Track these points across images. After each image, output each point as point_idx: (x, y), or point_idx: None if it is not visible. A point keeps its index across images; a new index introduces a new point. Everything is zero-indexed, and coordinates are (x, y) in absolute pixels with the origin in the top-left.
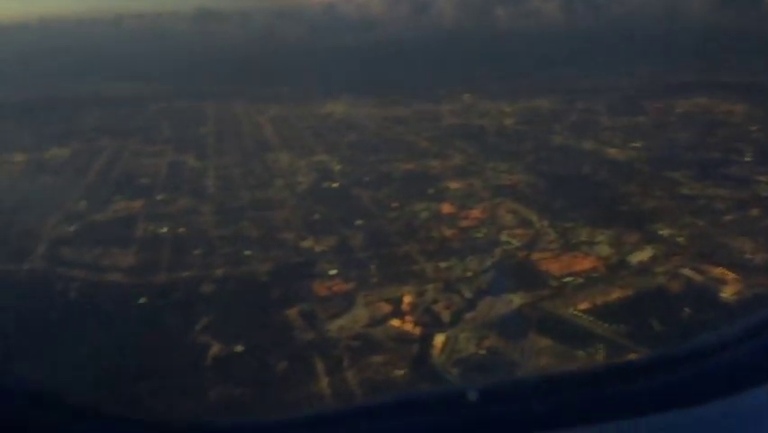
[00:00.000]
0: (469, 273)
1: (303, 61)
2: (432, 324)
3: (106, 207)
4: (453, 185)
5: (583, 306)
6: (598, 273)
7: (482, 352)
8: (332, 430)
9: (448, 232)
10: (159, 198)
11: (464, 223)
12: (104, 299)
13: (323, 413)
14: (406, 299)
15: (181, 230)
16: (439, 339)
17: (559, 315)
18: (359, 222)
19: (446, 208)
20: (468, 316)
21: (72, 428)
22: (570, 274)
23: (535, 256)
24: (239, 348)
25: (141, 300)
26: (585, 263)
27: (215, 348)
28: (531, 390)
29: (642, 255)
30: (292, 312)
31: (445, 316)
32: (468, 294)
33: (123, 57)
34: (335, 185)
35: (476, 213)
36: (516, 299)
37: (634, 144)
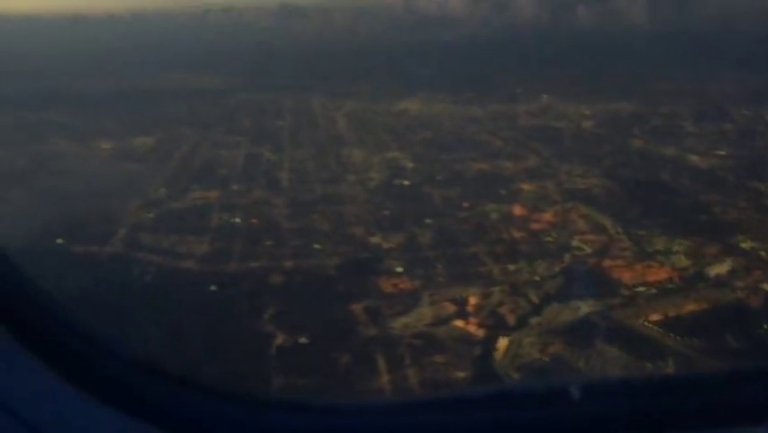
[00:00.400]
0: (537, 277)
1: (381, 58)
2: (496, 327)
3: (184, 195)
4: (526, 187)
5: (655, 317)
6: (672, 284)
7: (546, 358)
8: (437, 416)
9: (518, 234)
10: (234, 188)
11: (535, 226)
12: (177, 284)
13: (425, 399)
14: (472, 301)
15: (254, 221)
16: (502, 343)
17: (629, 325)
18: (428, 220)
19: (517, 210)
20: (533, 321)
21: (179, 397)
22: (643, 284)
23: (607, 263)
24: (303, 340)
25: (212, 288)
26: (660, 273)
27: (280, 338)
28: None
29: (721, 268)
30: (357, 307)
31: (510, 319)
32: (535, 299)
33: (209, 50)
34: (407, 182)
35: (547, 216)
36: (585, 307)
37: (718, 152)
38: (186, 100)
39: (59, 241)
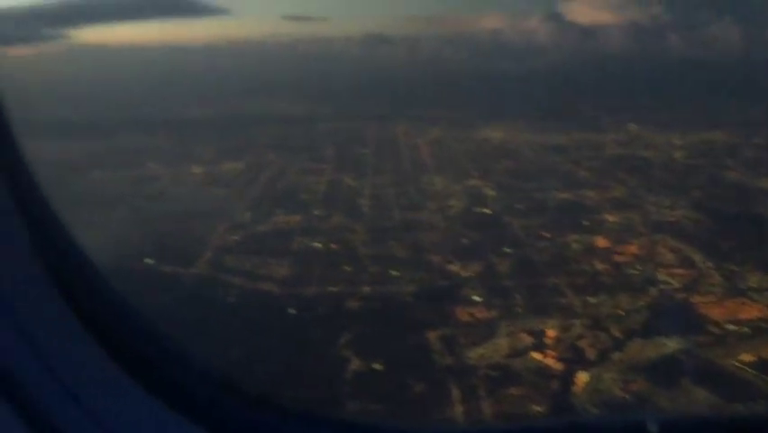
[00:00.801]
0: (619, 311)
1: (465, 86)
2: (575, 361)
3: (268, 219)
4: (610, 218)
5: (747, 358)
6: (766, 324)
7: (627, 396)
8: None
9: (600, 266)
10: (316, 213)
11: (619, 258)
12: (257, 306)
13: (500, 428)
14: (550, 333)
15: (333, 246)
16: (582, 377)
17: (718, 365)
18: (507, 249)
19: (600, 242)
20: (615, 356)
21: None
22: (734, 322)
23: (696, 299)
24: (378, 366)
25: (291, 311)
26: (752, 311)
27: (355, 363)
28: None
29: None
30: (433, 335)
31: (590, 354)
32: (617, 333)
33: (298, 79)
34: (487, 211)
35: (633, 248)
36: (671, 344)
37: None
38: (274, 127)
39: (148, 261)
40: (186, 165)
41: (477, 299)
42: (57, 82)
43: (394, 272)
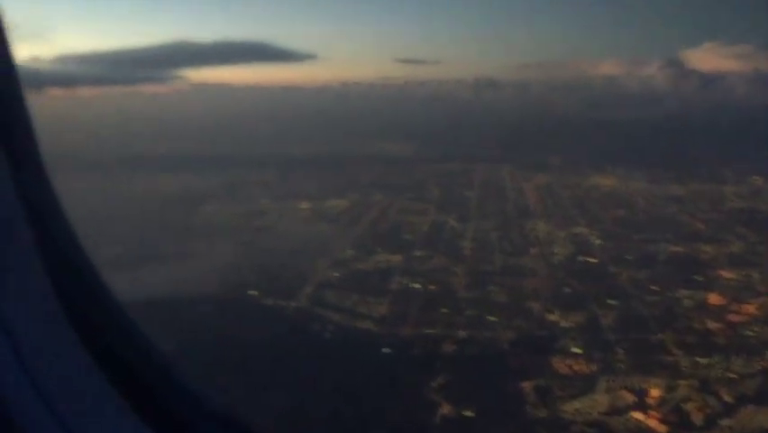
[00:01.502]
0: (731, 375)
1: (576, 132)
2: (680, 424)
3: (369, 257)
4: (726, 274)
5: None
6: None
7: None
8: None
9: (713, 325)
10: (417, 254)
11: (734, 317)
12: (352, 344)
13: None
14: (654, 392)
15: (432, 287)
16: None
17: None
18: (612, 301)
19: (714, 299)
20: (724, 422)
21: None
22: None
23: None
24: (468, 413)
25: (385, 350)
26: None
27: (445, 408)
28: None
29: None
30: (527, 385)
31: (697, 418)
32: (727, 398)
33: (407, 120)
34: (593, 260)
35: (750, 308)
36: None
37: None
38: (381, 166)
39: (253, 293)
40: (294, 201)
41: (577, 351)
42: (174, 120)
43: (492, 318)
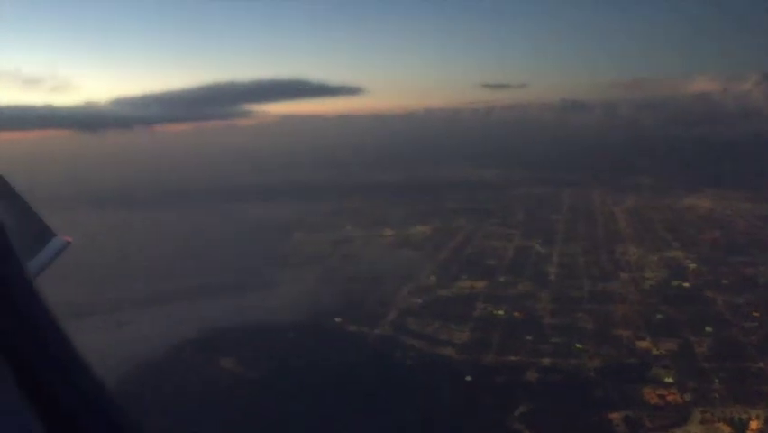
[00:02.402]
0: None
1: (667, 153)
2: None
3: (453, 283)
4: None
5: None
6: None
7: None
8: None
9: None
10: (501, 279)
11: None
12: (433, 371)
13: None
14: (754, 424)
15: (516, 314)
16: None
17: None
18: (708, 328)
19: None
20: None
21: None
22: None
23: None
24: None
25: (467, 378)
26: None
27: None
28: None
29: None
30: (616, 416)
31: None
32: None
33: (492, 144)
34: (686, 285)
35: None
36: None
37: None
38: (465, 192)
39: (337, 319)
40: (379, 227)
41: (669, 380)
42: (260, 150)
43: (578, 345)
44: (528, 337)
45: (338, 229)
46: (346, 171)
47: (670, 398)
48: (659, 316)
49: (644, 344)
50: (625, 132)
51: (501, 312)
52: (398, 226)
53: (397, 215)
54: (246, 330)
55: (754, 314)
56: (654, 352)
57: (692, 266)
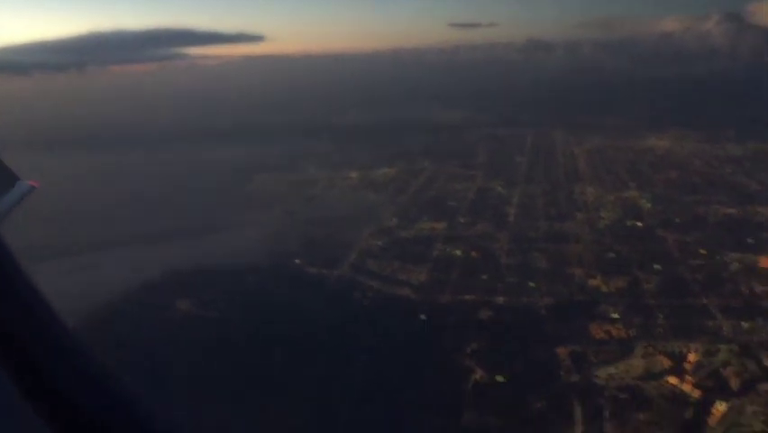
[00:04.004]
0: None
1: (629, 93)
2: (716, 389)
3: (413, 225)
4: None
5: None
6: None
7: None
8: None
9: (760, 288)
10: (461, 220)
11: None
12: (390, 310)
13: None
14: (692, 357)
15: (474, 254)
16: (720, 407)
17: None
18: (657, 266)
19: (764, 262)
20: (763, 387)
21: None
22: None
23: None
24: (501, 378)
25: (422, 317)
26: None
27: (478, 374)
28: None
29: None
30: (563, 351)
31: (734, 383)
32: None
33: (457, 86)
34: (640, 224)
35: None
36: None
37: None
38: (430, 134)
39: (297, 261)
40: (343, 170)
41: (615, 316)
42: (224, 92)
43: (531, 284)
44: (484, 277)
45: (300, 171)
46: (305, 114)
47: (615, 333)
48: (611, 255)
49: (594, 282)
50: (589, 72)
51: (459, 252)
52: (363, 169)
53: (363, 157)
54: (205, 273)
55: (702, 252)
56: (604, 289)
57: (647, 206)
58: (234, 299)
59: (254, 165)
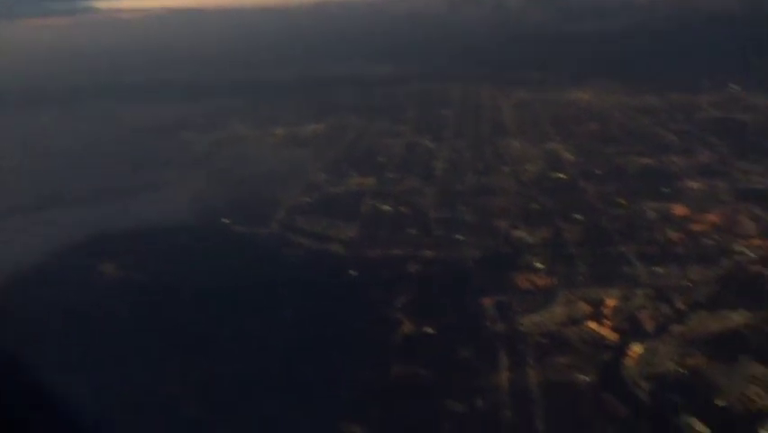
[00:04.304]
0: (687, 283)
1: (555, 47)
2: (632, 332)
3: (342, 181)
4: (693, 185)
5: None
6: None
7: (682, 370)
8: None
9: (674, 235)
10: (389, 176)
11: (696, 227)
12: (319, 267)
13: None
14: (610, 303)
15: (402, 209)
16: (636, 349)
17: None
18: (578, 216)
19: (679, 210)
20: (675, 329)
21: None
22: None
23: None
24: (429, 330)
25: (352, 272)
26: None
27: (407, 327)
28: None
29: None
30: (488, 302)
31: (649, 325)
32: (681, 305)
33: (381, 39)
34: (563, 176)
35: (712, 217)
36: (736, 318)
37: None
38: (357, 89)
39: (225, 220)
40: (269, 127)
41: (539, 265)
42: (134, 46)
43: (459, 237)
44: (412, 231)
45: (226, 129)
46: (230, 69)
47: (539, 282)
48: (535, 206)
49: (519, 233)
50: (515, 26)
51: (388, 207)
52: (290, 125)
53: (290, 113)
54: (130, 234)
55: (621, 201)
56: (528, 240)
57: (570, 158)
58: (160, 260)
59: (177, 123)
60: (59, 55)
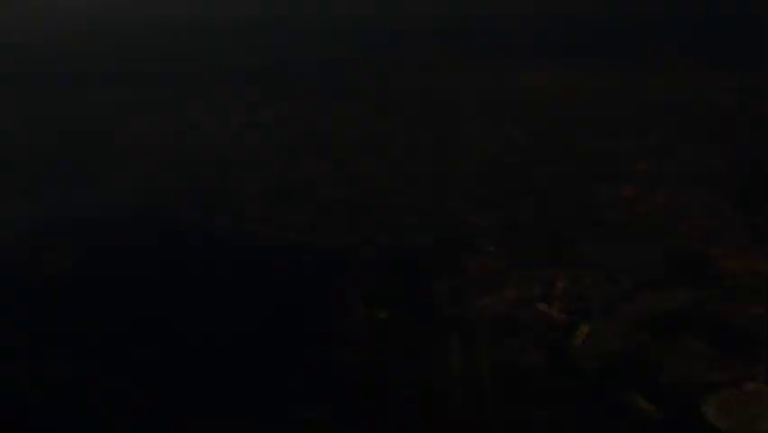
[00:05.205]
0: (634, 263)
1: (508, 31)
2: (580, 312)
3: (297, 167)
4: (641, 166)
5: (757, 311)
6: None
7: (628, 348)
8: None
9: (622, 217)
10: (346, 161)
11: (642, 208)
12: (272, 255)
13: None
14: (560, 284)
15: (358, 194)
16: (583, 329)
17: (724, 318)
18: (530, 200)
19: (626, 192)
20: (622, 308)
21: None
22: (751, 275)
23: (715, 251)
24: (382, 315)
25: (306, 259)
26: None
27: (361, 312)
28: None
29: None
30: (440, 286)
31: (597, 305)
32: (627, 285)
33: (343, 21)
34: (515, 159)
35: (658, 199)
36: (680, 295)
37: None
38: (317, 72)
39: (177, 209)
40: (223, 112)
41: (491, 249)
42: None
43: (411, 221)
44: (367, 217)
45: (180, 115)
46: (183, 53)
47: (490, 266)
48: (487, 190)
49: (471, 217)
50: (462, 11)
51: (343, 193)
52: (247, 111)
53: (248, 99)
54: (77, 225)
55: (572, 184)
56: (480, 224)
57: (522, 142)
58: (108, 252)
59: (129, 107)
60: None
